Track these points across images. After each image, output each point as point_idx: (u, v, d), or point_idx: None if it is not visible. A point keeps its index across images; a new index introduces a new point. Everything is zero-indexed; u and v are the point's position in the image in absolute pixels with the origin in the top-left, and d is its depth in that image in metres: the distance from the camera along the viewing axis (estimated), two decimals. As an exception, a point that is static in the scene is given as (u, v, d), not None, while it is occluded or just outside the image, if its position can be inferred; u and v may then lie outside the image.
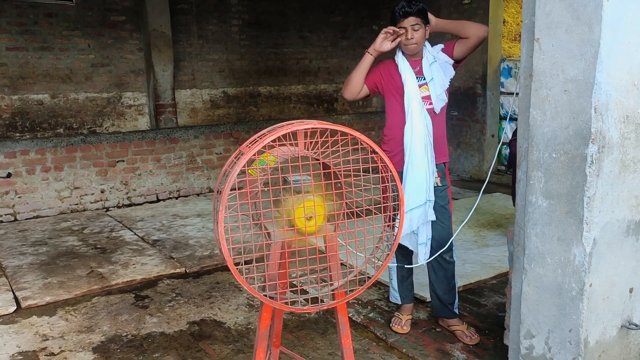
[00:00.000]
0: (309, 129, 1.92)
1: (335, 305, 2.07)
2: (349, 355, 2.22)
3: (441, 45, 3.04)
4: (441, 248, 3.06)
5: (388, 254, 2.08)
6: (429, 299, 3.48)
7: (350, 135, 1.94)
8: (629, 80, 2.09)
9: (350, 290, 2.09)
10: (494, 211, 5.73)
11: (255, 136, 1.98)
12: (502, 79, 7.45)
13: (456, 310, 3.23)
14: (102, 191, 6.29)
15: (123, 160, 6.36)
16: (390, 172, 2.01)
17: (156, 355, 3.05)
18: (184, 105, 7.25)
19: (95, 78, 6.79)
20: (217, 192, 1.93)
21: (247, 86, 7.73)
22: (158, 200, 6.59)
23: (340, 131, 1.93)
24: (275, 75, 7.96)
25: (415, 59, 3.02)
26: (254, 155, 1.86)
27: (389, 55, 3.07)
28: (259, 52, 7.79)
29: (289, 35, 7.98)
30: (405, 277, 3.30)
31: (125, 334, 3.30)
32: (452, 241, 3.14)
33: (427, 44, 3.02)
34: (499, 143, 7.59)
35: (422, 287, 3.63)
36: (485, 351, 2.99)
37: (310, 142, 1.94)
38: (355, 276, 2.09)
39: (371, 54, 3.00)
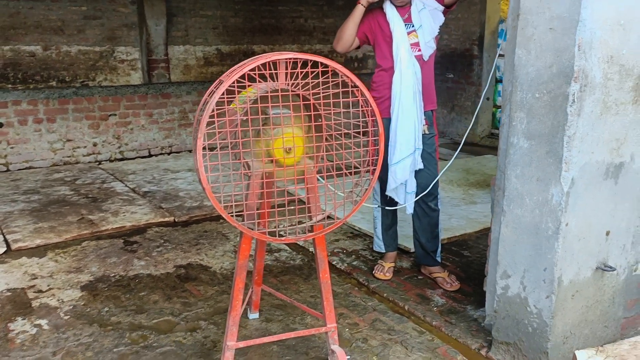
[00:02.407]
0: (289, 59, 1.91)
1: (313, 237, 2.10)
2: (327, 289, 2.27)
3: (430, -8, 3.00)
4: (428, 195, 3.09)
5: (367, 189, 2.09)
6: (412, 250, 3.52)
7: (331, 67, 1.93)
8: (615, 19, 2.07)
9: (329, 224, 2.11)
10: (484, 172, 5.75)
11: (236, 66, 1.97)
12: (500, 41, 7.37)
13: (438, 259, 3.28)
14: (95, 144, 6.28)
15: (115, 114, 6.33)
16: (371, 106, 2.00)
17: (142, 294, 3.10)
18: (177, 62, 7.18)
19: (88, 31, 6.69)
20: (197, 121, 1.94)
21: (241, 44, 7.64)
22: (150, 155, 6.59)
23: (320, 63, 1.92)
24: (270, 34, 7.85)
25: (403, 7, 2.98)
26: (233, 85, 1.86)
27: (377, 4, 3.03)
28: (253, 10, 7.67)
29: (285, -8, 7.85)
30: (389, 225, 3.33)
31: (113, 274, 3.35)
32: (437, 189, 3.16)
33: (415, -12, 2.98)
34: (492, 106, 7.57)
35: (406, 239, 3.67)
36: (464, 297, 3.05)
37: (290, 74, 1.94)
38: (333, 210, 2.10)
39: (363, 5, 2.96)
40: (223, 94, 1.82)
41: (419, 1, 2.99)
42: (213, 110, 1.81)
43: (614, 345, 2.47)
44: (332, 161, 2.07)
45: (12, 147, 5.89)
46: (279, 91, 1.90)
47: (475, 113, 2.94)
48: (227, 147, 1.94)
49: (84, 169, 5.94)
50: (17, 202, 4.71)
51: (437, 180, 3.12)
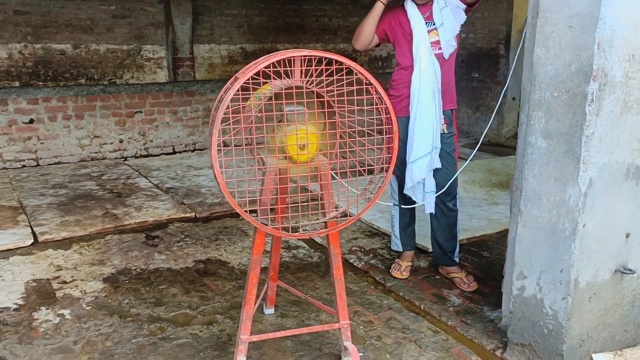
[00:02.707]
0: (303, 56, 1.93)
1: (326, 233, 2.11)
2: (340, 285, 2.28)
3: (453, -11, 2.98)
4: (445, 195, 3.08)
5: (380, 187, 2.10)
6: (430, 249, 3.50)
7: (346, 64, 1.94)
8: (637, 17, 2.03)
9: (342, 221, 2.12)
10: (508, 172, 5.68)
11: (251, 63, 1.99)
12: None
13: (456, 259, 3.26)
14: (121, 141, 6.42)
15: (141, 112, 6.45)
16: (385, 104, 2.01)
17: (162, 287, 3.16)
18: (202, 60, 7.28)
19: (116, 29, 6.84)
20: (213, 117, 1.97)
21: (265, 43, 7.70)
22: (174, 152, 6.70)
23: (335, 60, 1.93)
24: (294, 32, 7.89)
25: (425, 5, 2.97)
26: (247, 82, 1.89)
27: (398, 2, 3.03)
28: (278, 9, 7.72)
29: (310, -9, 7.88)
30: (407, 224, 3.32)
31: (134, 267, 3.43)
32: (456, 189, 3.14)
33: (437, -13, 2.96)
34: (519, 107, 7.45)
35: (424, 238, 3.66)
36: (481, 297, 3.03)
37: (305, 71, 1.95)
38: (347, 207, 2.12)
39: (382, 2, 2.96)
40: (238, 90, 1.85)
41: (441, -1, 2.97)
42: (228, 107, 1.84)
43: (634, 350, 2.42)
44: (346, 158, 2.08)
45: (42, 143, 6.06)
46: (294, 88, 1.92)
47: (495, 111, 2.91)
48: (242, 143, 1.97)
49: (110, 165, 6.08)
50: (45, 196, 4.85)
51: (456, 179, 3.10)
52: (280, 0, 7.74)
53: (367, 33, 3.02)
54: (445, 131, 3.04)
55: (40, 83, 6.52)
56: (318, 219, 2.15)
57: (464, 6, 2.98)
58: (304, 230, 2.09)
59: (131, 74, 6.96)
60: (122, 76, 6.92)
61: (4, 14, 6.35)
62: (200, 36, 7.25)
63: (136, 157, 6.49)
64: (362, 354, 2.47)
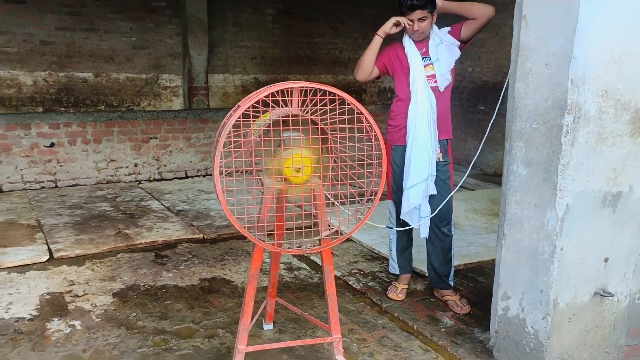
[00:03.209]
0: (301, 87, 2.13)
1: (319, 250, 2.27)
2: (333, 301, 2.42)
3: (448, 28, 3.19)
4: (440, 220, 3.22)
5: (370, 208, 2.26)
6: (427, 274, 3.63)
7: (338, 95, 2.14)
8: (609, 56, 2.21)
9: (333, 239, 2.28)
10: (510, 202, 5.78)
11: (253, 93, 2.19)
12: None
13: (451, 283, 3.38)
14: (136, 165, 6.67)
15: (156, 137, 6.72)
16: (374, 131, 2.19)
17: (168, 302, 3.33)
18: (216, 89, 7.57)
19: (136, 59, 7.18)
20: (216, 141, 2.16)
21: (277, 73, 7.99)
22: (187, 177, 6.93)
23: (328, 91, 2.13)
24: (306, 64, 8.19)
25: (422, 42, 3.17)
26: (248, 110, 2.08)
27: (397, 36, 3.24)
28: (290, 41, 8.03)
29: (321, 26, 8.19)
30: (405, 248, 3.46)
31: (142, 284, 3.60)
32: (451, 215, 3.29)
33: (434, 26, 3.17)
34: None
35: (422, 263, 3.78)
36: (473, 320, 3.14)
37: (302, 100, 2.15)
38: (339, 227, 2.28)
39: (380, 37, 3.18)
40: (239, 117, 2.05)
41: (436, 36, 3.17)
42: (230, 132, 2.03)
43: (615, 372, 2.52)
44: (339, 181, 2.25)
45: (61, 165, 6.33)
46: (291, 116, 2.12)
47: (483, 140, 3.06)
48: (243, 166, 2.15)
49: (124, 188, 6.31)
50: (62, 216, 5.07)
51: (451, 207, 3.25)
52: (293, 34, 8.06)
53: (366, 64, 3.23)
54: (441, 160, 3.21)
55: (62, 109, 6.85)
56: (312, 238, 2.31)
57: (459, 43, 3.18)
58: (297, 247, 2.25)
59: (148, 101, 7.27)
60: (140, 103, 7.23)
61: (31, 44, 6.72)
62: (215, 66, 7.56)
63: (150, 181, 6.73)
64: (353, 369, 2.60)
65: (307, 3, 8.03)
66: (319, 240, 2.30)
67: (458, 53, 3.20)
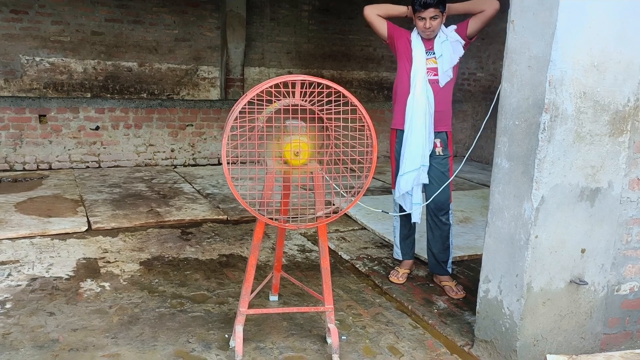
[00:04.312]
0: (302, 80, 2.40)
1: (314, 226, 2.54)
2: (326, 274, 2.70)
3: (454, 26, 3.38)
4: (439, 210, 3.44)
5: (360, 191, 2.52)
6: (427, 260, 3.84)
7: (334, 88, 2.40)
8: (588, 61, 2.38)
9: (326, 217, 2.55)
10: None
11: (260, 84, 2.48)
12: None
13: (449, 269, 3.59)
14: (172, 150, 7.10)
15: (192, 125, 7.13)
16: (367, 122, 2.44)
17: (187, 272, 3.67)
18: (251, 82, 7.93)
19: (177, 51, 7.62)
20: (225, 125, 2.47)
21: (311, 68, 8.28)
22: (219, 164, 7.31)
23: (326, 85, 2.40)
24: (339, 60, 8.44)
25: (429, 39, 3.38)
26: (253, 98, 2.37)
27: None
28: (325, 37, 8.31)
29: (356, 23, 8.43)
30: (407, 235, 3.69)
31: (167, 256, 3.96)
32: (449, 205, 3.50)
33: (442, 26, 3.37)
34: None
35: (424, 251, 3.99)
36: (466, 305, 3.35)
37: (303, 92, 2.42)
38: (334, 206, 2.54)
39: (408, 15, 3.38)
40: (245, 105, 2.34)
41: (442, 33, 3.37)
42: (237, 118, 2.33)
43: (588, 356, 2.68)
44: (337, 164, 2.52)
45: (104, 148, 6.82)
46: (290, 106, 2.39)
47: (479, 133, 3.22)
48: (248, 149, 2.45)
49: (160, 171, 6.75)
50: (102, 193, 5.52)
51: (449, 197, 3.45)
52: (328, 30, 8.33)
53: (382, 9, 3.42)
54: (441, 153, 3.41)
55: (108, 95, 7.35)
56: (312, 215, 2.59)
57: (464, 42, 3.37)
58: (294, 221, 2.53)
59: (187, 90, 7.70)
60: (179, 92, 7.67)
61: (82, 34, 7.25)
62: (252, 60, 7.92)
63: (184, 166, 7.15)
64: (344, 338, 2.86)
65: (343, 0, 8.28)
66: (315, 217, 2.57)
67: (462, 51, 3.38)
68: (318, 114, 2.44)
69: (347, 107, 2.44)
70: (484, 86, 8.33)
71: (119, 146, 6.88)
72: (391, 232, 4.58)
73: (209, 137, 7.22)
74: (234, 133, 2.35)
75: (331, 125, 2.50)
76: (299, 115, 2.44)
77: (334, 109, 2.44)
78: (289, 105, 2.41)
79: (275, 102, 2.52)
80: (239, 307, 2.67)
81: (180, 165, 7.16)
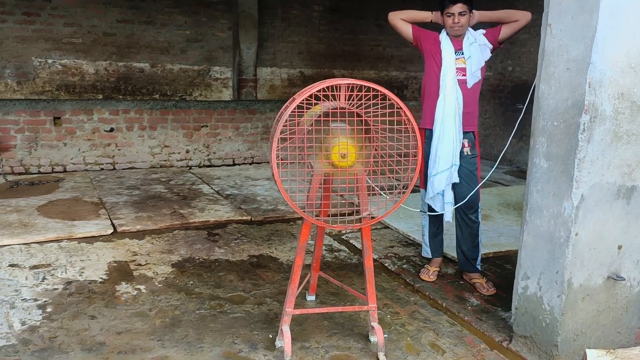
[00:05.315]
0: (348, 83, 2.46)
1: (359, 227, 2.60)
2: (370, 274, 2.75)
3: (483, 30, 3.45)
4: (468, 208, 3.50)
5: (404, 192, 2.57)
6: (457, 258, 3.91)
7: (380, 91, 2.46)
8: (626, 63, 2.44)
9: (372, 218, 2.61)
10: (543, 198, 5.97)
11: (307, 88, 2.54)
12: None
13: (478, 267, 3.66)
14: (187, 151, 7.14)
15: (207, 126, 7.17)
16: (412, 124, 2.50)
17: (221, 274, 3.73)
18: (264, 82, 7.98)
19: (189, 52, 7.65)
20: (274, 128, 2.52)
21: (322, 68, 8.33)
22: (234, 164, 7.37)
23: (372, 87, 2.45)
24: (350, 59, 8.50)
25: (457, 39, 3.44)
26: (303, 102, 2.43)
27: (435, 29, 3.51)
28: (336, 37, 8.36)
29: (366, 23, 8.48)
30: (436, 234, 3.75)
31: (197, 257, 4.02)
32: (478, 203, 3.56)
33: (469, 28, 3.44)
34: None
35: (453, 250, 4.05)
36: (498, 301, 3.41)
37: (349, 95, 2.48)
38: (378, 208, 2.60)
39: (432, 20, 3.46)
40: (294, 109, 2.39)
41: (471, 35, 3.43)
42: (286, 121, 2.38)
43: (625, 350, 2.75)
44: (379, 167, 2.57)
45: (119, 149, 6.86)
46: (338, 109, 2.45)
47: (512, 134, 3.28)
48: (296, 151, 2.50)
49: (176, 172, 6.79)
50: (121, 195, 5.56)
51: (478, 195, 3.52)
52: (339, 30, 8.38)
53: (407, 15, 3.50)
54: (469, 153, 3.48)
55: (121, 96, 7.38)
56: (354, 217, 2.64)
57: (491, 46, 3.43)
58: (341, 222, 2.59)
59: (200, 91, 7.74)
60: (192, 93, 7.71)
61: (94, 35, 7.27)
62: (264, 60, 7.96)
63: (200, 167, 7.19)
64: (386, 336, 2.92)
65: (353, 0, 8.33)
66: (360, 219, 2.63)
67: (489, 55, 3.45)
68: (364, 117, 2.50)
69: (392, 109, 2.49)
70: (492, 85, 8.40)
71: (133, 148, 6.92)
72: (414, 230, 4.66)
73: (223, 137, 7.27)
74: (283, 136, 2.40)
75: (375, 128, 2.55)
76: (346, 118, 2.49)
77: (380, 111, 2.50)
78: (336, 109, 2.46)
79: (315, 105, 2.57)
80: (284, 308, 2.72)
81: (195, 166, 7.20)
